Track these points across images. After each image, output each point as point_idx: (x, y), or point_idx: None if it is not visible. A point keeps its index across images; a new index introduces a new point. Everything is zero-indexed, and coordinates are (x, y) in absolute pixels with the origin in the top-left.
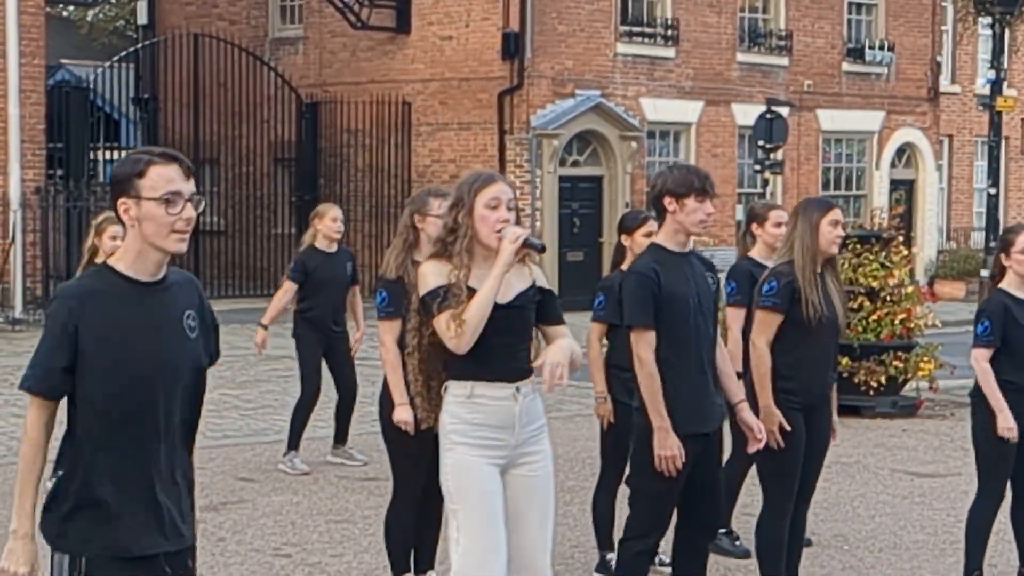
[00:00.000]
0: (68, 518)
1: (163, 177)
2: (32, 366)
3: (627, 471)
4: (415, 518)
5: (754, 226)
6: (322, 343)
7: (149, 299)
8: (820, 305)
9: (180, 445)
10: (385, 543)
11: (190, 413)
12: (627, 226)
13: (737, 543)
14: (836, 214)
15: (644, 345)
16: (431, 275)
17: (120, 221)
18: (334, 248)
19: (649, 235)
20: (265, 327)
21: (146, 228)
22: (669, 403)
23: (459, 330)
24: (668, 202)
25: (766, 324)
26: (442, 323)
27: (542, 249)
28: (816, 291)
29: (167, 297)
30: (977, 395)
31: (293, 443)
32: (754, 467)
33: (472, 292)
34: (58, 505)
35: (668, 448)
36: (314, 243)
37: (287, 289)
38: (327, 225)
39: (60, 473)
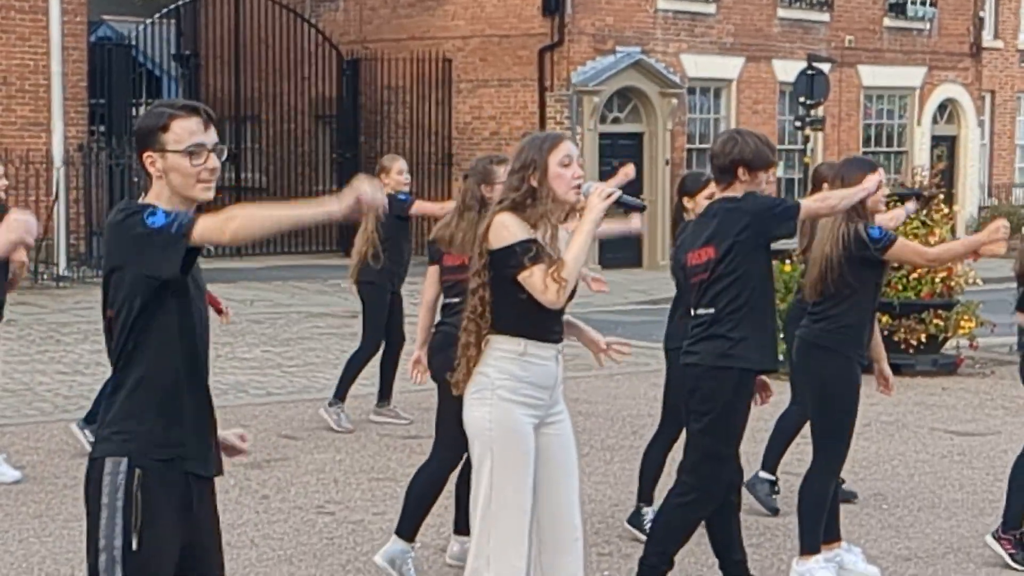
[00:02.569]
0: (126, 427)
1: (186, 130)
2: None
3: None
4: (459, 482)
5: (825, 187)
6: (388, 300)
7: None
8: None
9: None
10: (404, 501)
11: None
12: (688, 188)
13: (773, 497)
14: (880, 174)
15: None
16: (515, 226)
17: (146, 173)
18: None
19: (710, 197)
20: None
21: (173, 179)
22: (745, 344)
23: (559, 286)
24: (742, 172)
25: (908, 245)
26: (537, 278)
27: (643, 208)
28: None
29: None
30: None
31: (341, 393)
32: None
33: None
34: (114, 416)
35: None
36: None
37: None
38: (395, 179)
39: (116, 395)
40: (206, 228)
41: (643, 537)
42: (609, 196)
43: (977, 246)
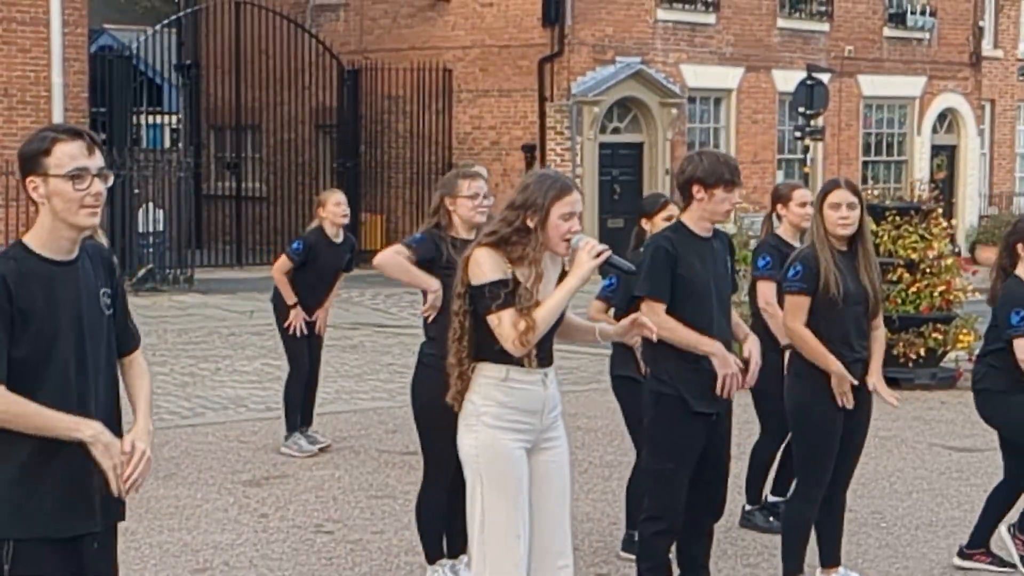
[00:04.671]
0: None
1: (67, 154)
2: None
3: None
4: (448, 503)
5: (779, 207)
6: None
7: (63, 278)
8: (840, 286)
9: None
10: (418, 529)
11: (109, 394)
12: (647, 210)
13: (771, 520)
14: (835, 196)
15: (655, 315)
16: (489, 265)
17: (30, 200)
18: (340, 238)
19: (669, 219)
20: (294, 306)
21: (56, 205)
22: (679, 383)
23: (525, 337)
24: (697, 190)
25: (797, 308)
26: (505, 326)
27: (632, 272)
28: (836, 272)
29: (81, 274)
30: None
31: (294, 423)
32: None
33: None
34: None
35: (728, 365)
36: (322, 227)
37: (285, 267)
38: (331, 211)
39: None
40: None
41: None
42: (599, 255)
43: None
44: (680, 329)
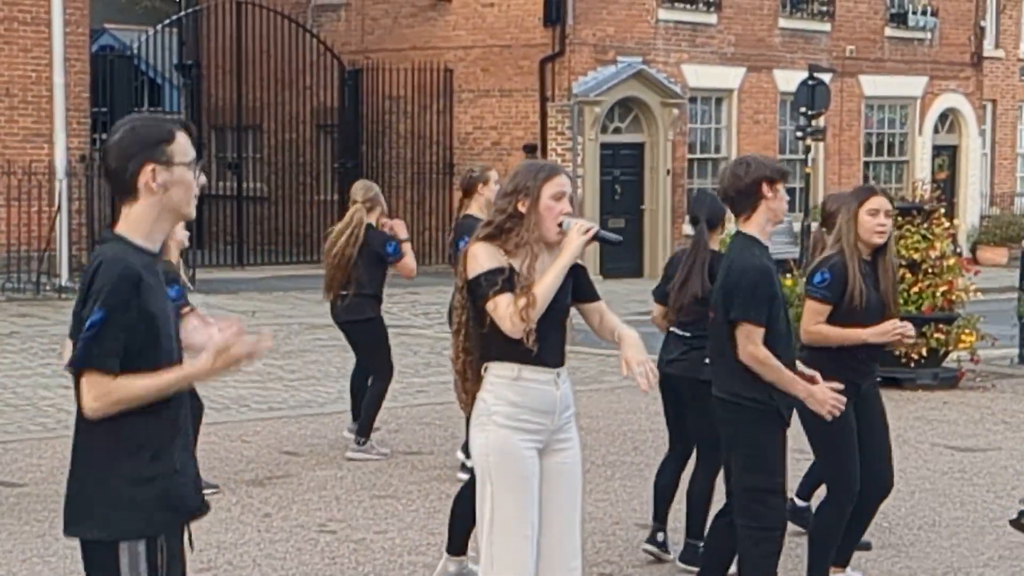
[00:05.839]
0: (133, 500)
1: (187, 143)
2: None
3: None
4: (455, 502)
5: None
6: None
7: (155, 267)
8: (863, 295)
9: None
10: (451, 522)
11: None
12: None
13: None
14: (874, 202)
15: (757, 340)
16: (484, 257)
17: (130, 190)
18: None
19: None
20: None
21: (175, 194)
22: (776, 398)
23: (526, 312)
24: (766, 189)
25: (816, 314)
26: (501, 308)
27: (618, 243)
28: (861, 280)
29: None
30: None
31: (366, 431)
32: None
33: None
34: (114, 491)
35: (825, 397)
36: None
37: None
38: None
39: (111, 460)
40: (96, 383)
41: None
42: (587, 231)
43: (870, 338)
44: (782, 375)
